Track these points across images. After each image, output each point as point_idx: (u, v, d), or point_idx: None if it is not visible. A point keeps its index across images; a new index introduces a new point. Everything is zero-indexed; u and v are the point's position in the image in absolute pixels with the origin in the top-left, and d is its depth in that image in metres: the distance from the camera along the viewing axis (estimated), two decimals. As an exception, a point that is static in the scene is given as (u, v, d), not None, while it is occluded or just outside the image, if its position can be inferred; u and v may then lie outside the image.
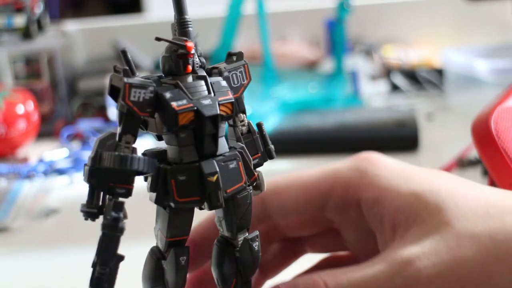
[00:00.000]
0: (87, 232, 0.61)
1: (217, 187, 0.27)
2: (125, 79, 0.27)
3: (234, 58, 0.30)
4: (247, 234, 0.30)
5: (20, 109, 0.84)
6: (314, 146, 0.77)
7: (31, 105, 0.86)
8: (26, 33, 0.94)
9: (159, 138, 0.29)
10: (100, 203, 0.27)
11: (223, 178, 0.28)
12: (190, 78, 0.28)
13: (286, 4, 1.30)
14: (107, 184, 0.27)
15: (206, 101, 0.28)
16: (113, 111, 0.97)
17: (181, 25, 0.29)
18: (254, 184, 0.30)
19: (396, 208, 0.30)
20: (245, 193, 0.29)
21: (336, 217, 0.34)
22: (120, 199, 0.27)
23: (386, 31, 1.27)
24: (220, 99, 0.28)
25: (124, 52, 0.28)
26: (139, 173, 0.28)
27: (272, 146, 0.31)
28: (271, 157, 0.31)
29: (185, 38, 0.28)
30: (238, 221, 0.30)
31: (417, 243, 0.28)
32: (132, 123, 0.28)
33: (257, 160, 0.31)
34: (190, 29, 0.29)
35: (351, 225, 0.34)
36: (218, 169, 0.28)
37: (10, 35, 0.95)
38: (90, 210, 0.27)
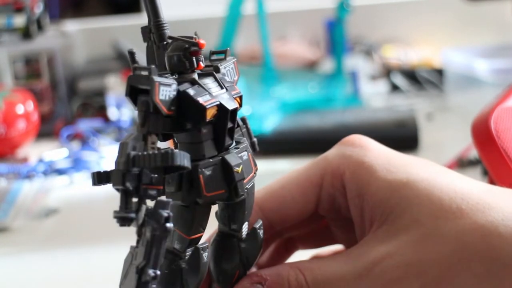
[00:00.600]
0: (87, 232, 0.62)
1: (243, 177, 0.28)
2: (155, 78, 0.26)
3: (221, 56, 0.31)
4: (247, 225, 0.31)
5: (20, 109, 0.84)
6: (314, 146, 0.77)
7: (31, 105, 0.86)
8: (26, 33, 0.94)
9: (165, 138, 0.29)
10: (135, 207, 0.26)
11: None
12: (196, 76, 0.29)
13: (286, 4, 1.30)
14: (140, 186, 0.26)
15: (226, 96, 0.28)
16: (113, 111, 0.97)
17: (157, 27, 0.29)
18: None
19: (374, 203, 0.30)
20: (252, 183, 0.30)
21: (327, 207, 0.34)
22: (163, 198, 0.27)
23: (386, 31, 1.27)
24: (233, 92, 0.29)
25: (131, 53, 0.28)
26: (173, 170, 0.27)
27: (256, 140, 0.32)
28: (254, 150, 0.32)
29: (194, 36, 0.28)
30: (247, 211, 0.30)
31: (386, 242, 0.28)
32: (157, 123, 0.27)
33: None
34: (166, 31, 0.29)
35: (339, 214, 0.34)
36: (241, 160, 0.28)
37: (10, 35, 0.95)
38: (128, 215, 0.26)
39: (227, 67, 0.30)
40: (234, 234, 0.31)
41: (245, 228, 0.31)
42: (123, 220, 0.26)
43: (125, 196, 0.26)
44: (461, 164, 0.68)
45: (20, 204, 0.65)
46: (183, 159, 0.26)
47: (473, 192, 0.29)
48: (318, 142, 0.77)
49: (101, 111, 1.01)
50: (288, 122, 0.82)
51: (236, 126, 0.30)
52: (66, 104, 1.02)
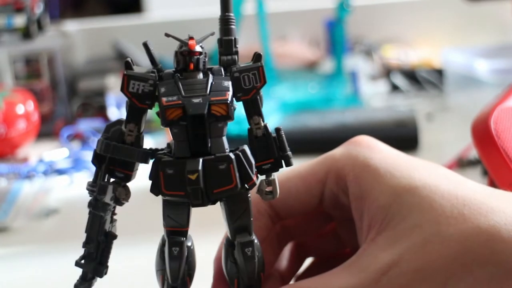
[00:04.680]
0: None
1: (197, 185, 0.27)
2: (125, 71, 0.28)
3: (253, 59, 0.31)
4: (246, 238, 0.30)
5: (20, 109, 0.84)
6: (314, 146, 0.77)
7: (31, 105, 0.86)
8: (26, 33, 0.94)
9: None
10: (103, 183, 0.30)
11: (209, 178, 0.28)
12: (200, 75, 0.29)
13: (286, 4, 1.30)
14: (107, 166, 0.29)
15: (196, 100, 0.28)
16: (113, 111, 0.97)
17: (224, 21, 0.30)
18: (267, 190, 0.30)
19: (375, 208, 0.30)
20: (239, 197, 0.29)
21: (331, 204, 0.34)
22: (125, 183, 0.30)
23: (386, 31, 1.27)
24: (212, 98, 0.28)
25: (146, 45, 0.29)
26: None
27: (289, 153, 0.31)
28: (288, 164, 0.31)
29: (191, 37, 0.29)
30: (233, 223, 0.30)
31: (388, 249, 0.28)
32: (133, 113, 0.29)
33: (269, 165, 0.30)
34: (232, 26, 0.30)
35: (343, 214, 0.34)
36: (200, 168, 0.28)
37: (10, 35, 0.95)
38: (92, 188, 0.30)
39: (244, 72, 0.30)
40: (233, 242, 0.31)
41: (239, 239, 0.30)
42: (89, 192, 0.30)
43: (96, 172, 0.30)
44: (461, 164, 0.68)
45: (20, 204, 0.65)
46: (124, 154, 0.29)
47: (476, 197, 0.29)
48: (318, 142, 0.77)
49: (101, 111, 1.01)
50: (288, 122, 0.82)
51: (263, 135, 0.30)
52: (66, 104, 1.02)
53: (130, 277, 0.47)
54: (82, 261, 0.30)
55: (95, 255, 0.30)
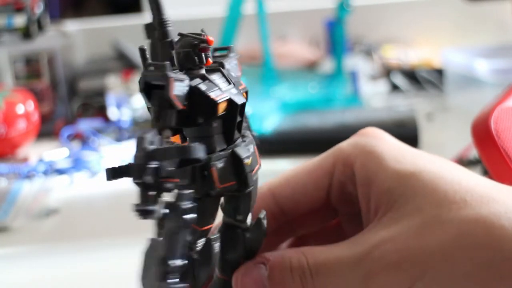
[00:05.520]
0: (87, 232, 0.62)
1: (252, 169, 0.29)
2: (170, 74, 0.27)
3: (224, 52, 0.31)
4: (251, 215, 0.31)
5: (20, 109, 0.84)
6: (314, 146, 0.77)
7: (31, 105, 0.86)
8: (26, 33, 0.94)
9: (175, 132, 0.30)
10: (154, 200, 0.27)
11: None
12: (203, 71, 0.29)
13: (286, 4, 1.30)
14: (158, 180, 0.27)
15: (234, 91, 0.29)
16: (113, 111, 0.97)
17: (161, 24, 0.30)
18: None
19: (380, 192, 0.31)
20: (257, 175, 0.31)
21: (338, 196, 0.35)
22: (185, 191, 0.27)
23: (386, 31, 1.27)
24: (240, 88, 0.29)
25: (142, 50, 0.28)
26: (188, 163, 0.27)
27: (255, 133, 0.32)
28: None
29: (203, 33, 0.29)
30: (253, 203, 0.31)
31: (388, 228, 0.29)
32: (171, 118, 0.28)
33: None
34: (170, 28, 0.30)
35: (349, 208, 0.35)
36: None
37: (10, 35, 0.95)
38: (148, 208, 0.26)
39: (231, 63, 0.31)
40: (238, 225, 0.31)
41: (249, 218, 0.31)
42: (144, 213, 0.26)
43: (144, 189, 0.27)
44: (461, 164, 0.67)
45: (20, 204, 0.65)
46: (200, 152, 0.27)
47: (479, 187, 0.29)
48: (318, 142, 0.77)
49: (101, 111, 1.01)
50: (288, 122, 0.82)
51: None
52: (66, 104, 1.02)
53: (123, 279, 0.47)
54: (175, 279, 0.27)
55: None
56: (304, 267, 0.30)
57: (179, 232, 0.27)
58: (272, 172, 0.33)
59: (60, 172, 0.77)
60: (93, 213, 0.64)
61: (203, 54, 0.29)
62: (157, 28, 0.30)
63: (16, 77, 0.99)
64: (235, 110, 0.29)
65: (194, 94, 0.28)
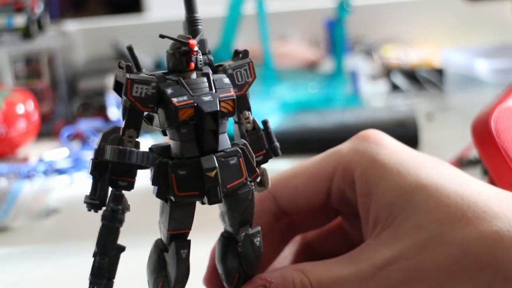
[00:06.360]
0: (87, 232, 0.61)
1: (216, 182, 0.28)
2: (128, 75, 0.27)
3: (240, 55, 0.31)
4: (249, 230, 0.31)
5: (20, 109, 0.84)
6: (314, 146, 0.77)
7: (31, 105, 0.86)
8: (26, 33, 0.94)
9: (164, 133, 0.30)
10: (103, 195, 0.29)
11: (222, 174, 0.28)
12: (194, 75, 0.29)
13: (286, 4, 1.30)
14: (109, 177, 0.28)
15: (207, 98, 0.28)
16: (113, 111, 0.97)
17: (190, 23, 0.30)
18: (258, 181, 0.31)
19: (380, 204, 0.30)
20: (246, 189, 0.30)
21: (338, 200, 0.34)
22: (123, 191, 0.28)
23: (386, 31, 1.27)
24: (221, 95, 0.28)
25: (130, 49, 0.28)
26: (140, 167, 0.28)
27: (277, 144, 0.32)
28: (276, 155, 0.32)
29: (188, 36, 0.28)
30: (240, 216, 0.30)
31: (390, 246, 0.28)
32: (134, 118, 0.28)
33: (261, 157, 0.31)
34: (199, 27, 0.30)
35: (350, 210, 0.34)
36: (217, 165, 0.28)
37: (10, 35, 0.95)
38: (93, 202, 0.29)
39: (236, 69, 0.30)
40: (234, 237, 0.31)
41: (243, 232, 0.31)
42: (89, 205, 0.29)
43: (95, 183, 0.29)
44: (461, 164, 0.68)
45: (20, 204, 0.65)
46: (139, 158, 0.27)
47: (481, 198, 0.29)
48: (318, 142, 0.77)
49: (101, 111, 1.01)
50: (288, 122, 0.82)
51: (253, 128, 0.31)
52: (67, 104, 1.02)
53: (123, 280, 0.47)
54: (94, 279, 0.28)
55: (106, 270, 0.28)
56: (307, 287, 0.29)
57: (104, 230, 0.28)
58: (272, 172, 0.33)
59: (60, 172, 0.77)
60: (93, 213, 0.64)
61: (184, 58, 0.28)
62: (186, 26, 0.30)
63: (16, 77, 0.99)
64: (203, 117, 0.28)
65: (162, 97, 0.28)
